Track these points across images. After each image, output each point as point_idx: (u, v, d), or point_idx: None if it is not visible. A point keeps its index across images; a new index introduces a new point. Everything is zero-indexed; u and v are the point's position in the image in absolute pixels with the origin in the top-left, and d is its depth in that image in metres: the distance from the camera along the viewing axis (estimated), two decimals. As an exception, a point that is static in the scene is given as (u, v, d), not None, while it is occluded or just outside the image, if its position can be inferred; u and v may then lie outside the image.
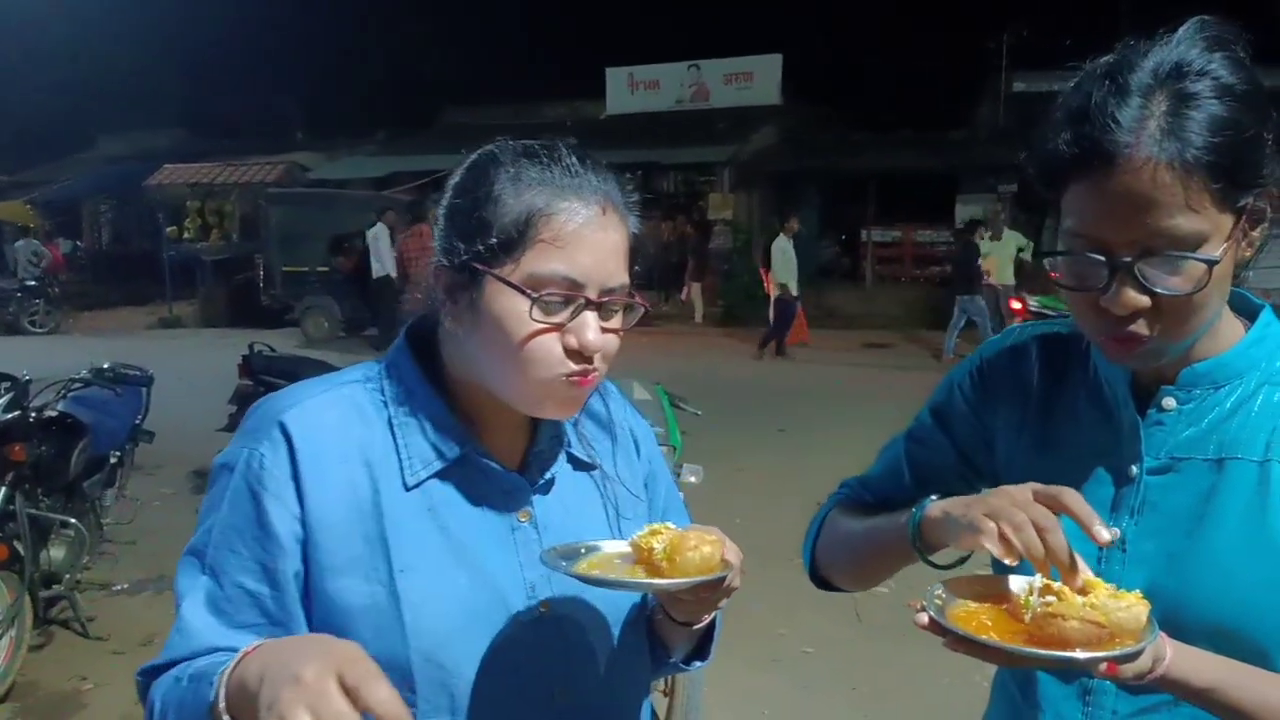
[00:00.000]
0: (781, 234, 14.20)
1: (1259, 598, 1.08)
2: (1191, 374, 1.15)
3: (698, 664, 1.37)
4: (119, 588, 5.49)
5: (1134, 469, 1.17)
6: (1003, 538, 1.00)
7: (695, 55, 22.94)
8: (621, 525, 1.27)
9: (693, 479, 4.04)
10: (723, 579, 1.08)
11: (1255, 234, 1.09)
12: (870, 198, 19.98)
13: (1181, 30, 1.05)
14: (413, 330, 1.24)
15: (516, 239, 1.10)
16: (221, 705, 0.95)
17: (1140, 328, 1.07)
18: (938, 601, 1.02)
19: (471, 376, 1.18)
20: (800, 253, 14.40)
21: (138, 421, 5.48)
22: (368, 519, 1.12)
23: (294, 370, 6.06)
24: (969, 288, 13.56)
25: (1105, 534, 1.00)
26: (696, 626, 1.25)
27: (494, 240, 1.10)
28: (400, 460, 1.15)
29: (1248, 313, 1.20)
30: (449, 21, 31.87)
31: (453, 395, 1.20)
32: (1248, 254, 1.10)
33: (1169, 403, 1.16)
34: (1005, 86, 20.14)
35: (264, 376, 6.29)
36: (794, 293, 14.08)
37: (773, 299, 14.22)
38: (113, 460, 5.25)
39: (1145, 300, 1.04)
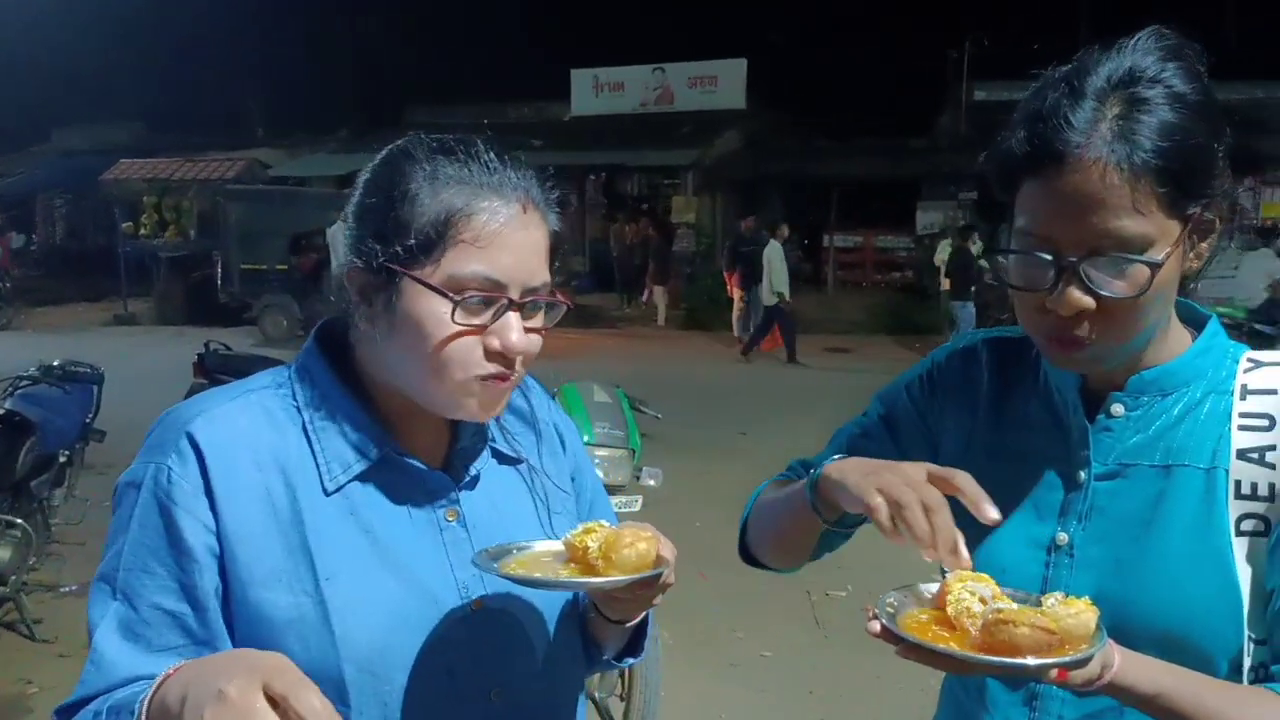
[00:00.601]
0: (773, 240, 14.24)
1: (1204, 604, 1.09)
2: (1139, 381, 1.16)
3: (630, 660, 1.36)
4: (67, 589, 5.38)
5: (1082, 474, 1.18)
6: (891, 516, 1.02)
7: (660, 58, 23.01)
8: (552, 520, 1.25)
9: (652, 482, 4.03)
10: (659, 575, 1.07)
11: (1203, 246, 1.11)
12: (832, 203, 20.16)
13: (1138, 39, 1.08)
14: (323, 332, 1.20)
15: (436, 239, 1.07)
16: None
17: (1083, 330, 1.08)
18: (890, 609, 1.02)
19: (388, 378, 1.15)
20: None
21: (88, 420, 5.38)
22: (288, 528, 1.09)
23: (248, 369, 5.94)
24: (964, 293, 13.69)
25: (992, 513, 1.02)
26: (629, 624, 1.24)
27: (412, 241, 1.07)
28: (318, 465, 1.11)
29: (1196, 323, 1.21)
30: (414, 20, 31.68)
31: (369, 397, 1.16)
32: (1195, 265, 1.12)
33: (1117, 409, 1.17)
34: (966, 95, 20.40)
35: (219, 375, 6.19)
36: (788, 299, 14.09)
37: (765, 307, 14.20)
38: (61, 459, 5.15)
39: (1090, 301, 1.06)
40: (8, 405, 4.74)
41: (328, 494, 1.11)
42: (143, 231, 20.37)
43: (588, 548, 1.05)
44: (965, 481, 1.05)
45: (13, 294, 19.36)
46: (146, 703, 0.91)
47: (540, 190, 1.15)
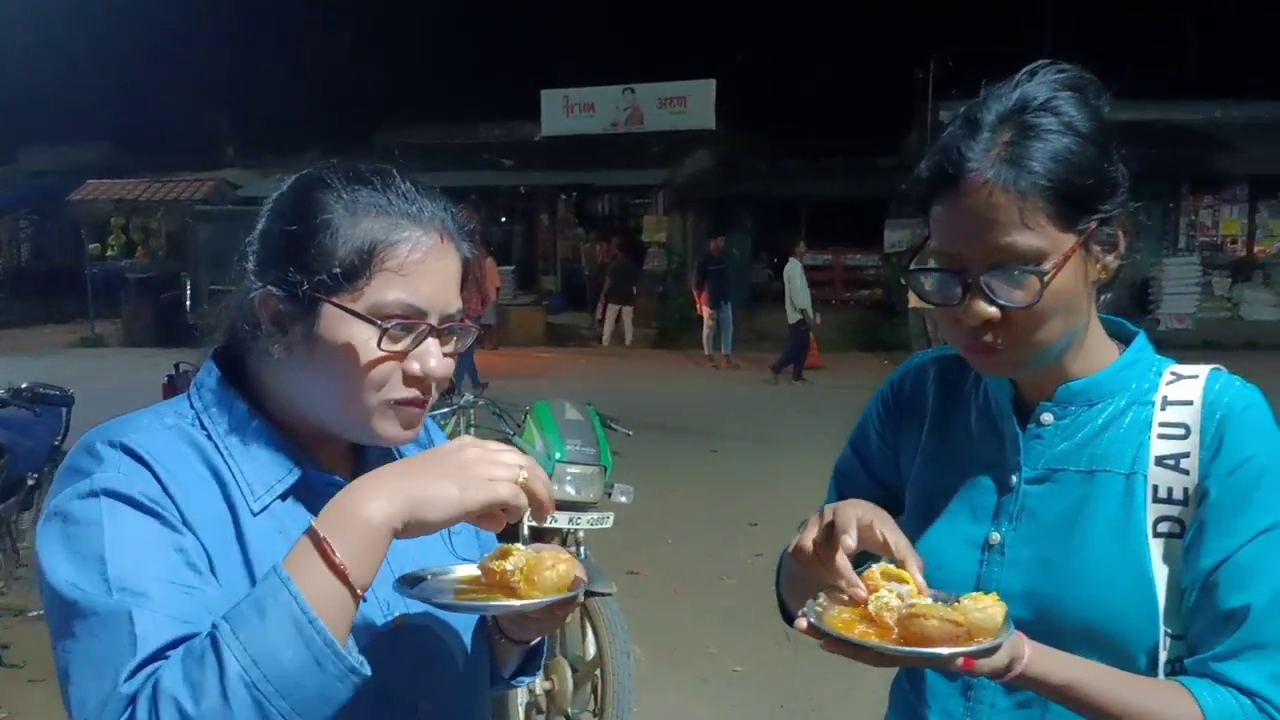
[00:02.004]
0: (792, 258, 14.31)
1: (1123, 600, 1.17)
2: (1067, 392, 1.25)
3: (524, 679, 1.38)
4: (36, 613, 5.32)
5: (1014, 479, 1.27)
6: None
7: (630, 79, 23.14)
8: (452, 539, 1.27)
9: (623, 499, 4.07)
10: (574, 597, 1.10)
11: (1109, 259, 1.20)
12: (802, 222, 20.31)
13: (1036, 71, 1.19)
14: (219, 358, 1.20)
15: (359, 268, 1.09)
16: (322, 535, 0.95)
17: (991, 337, 1.17)
18: (818, 609, 1.11)
19: (297, 404, 1.15)
20: (733, 276, 14.54)
21: (57, 443, 5.33)
22: (231, 543, 1.08)
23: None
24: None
25: (850, 542, 1.15)
26: (532, 643, 1.28)
27: (337, 269, 1.08)
28: (240, 488, 1.11)
29: (1125, 339, 1.30)
30: (384, 40, 31.69)
31: (276, 421, 1.16)
32: (1104, 276, 1.21)
33: (1047, 418, 1.26)
34: (932, 115, 20.65)
35: (190, 396, 6.18)
36: (811, 316, 14.14)
37: (791, 325, 14.19)
38: (30, 482, 5.12)
39: (993, 311, 1.15)
40: (-25, 428, 4.71)
41: (254, 514, 1.10)
42: (110, 252, 20.26)
43: (506, 571, 1.07)
44: (838, 515, 1.18)
45: (-23, 316, 19.13)
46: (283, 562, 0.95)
47: (454, 219, 1.17)
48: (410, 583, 1.10)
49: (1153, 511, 1.19)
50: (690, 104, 22.70)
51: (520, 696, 3.69)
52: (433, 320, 1.12)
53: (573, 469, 3.93)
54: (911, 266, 1.23)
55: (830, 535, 1.16)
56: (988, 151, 1.13)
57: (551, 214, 23.55)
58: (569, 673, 3.69)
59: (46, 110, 29.39)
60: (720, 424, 11.01)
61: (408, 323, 1.10)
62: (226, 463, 1.11)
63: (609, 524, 3.99)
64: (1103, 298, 1.25)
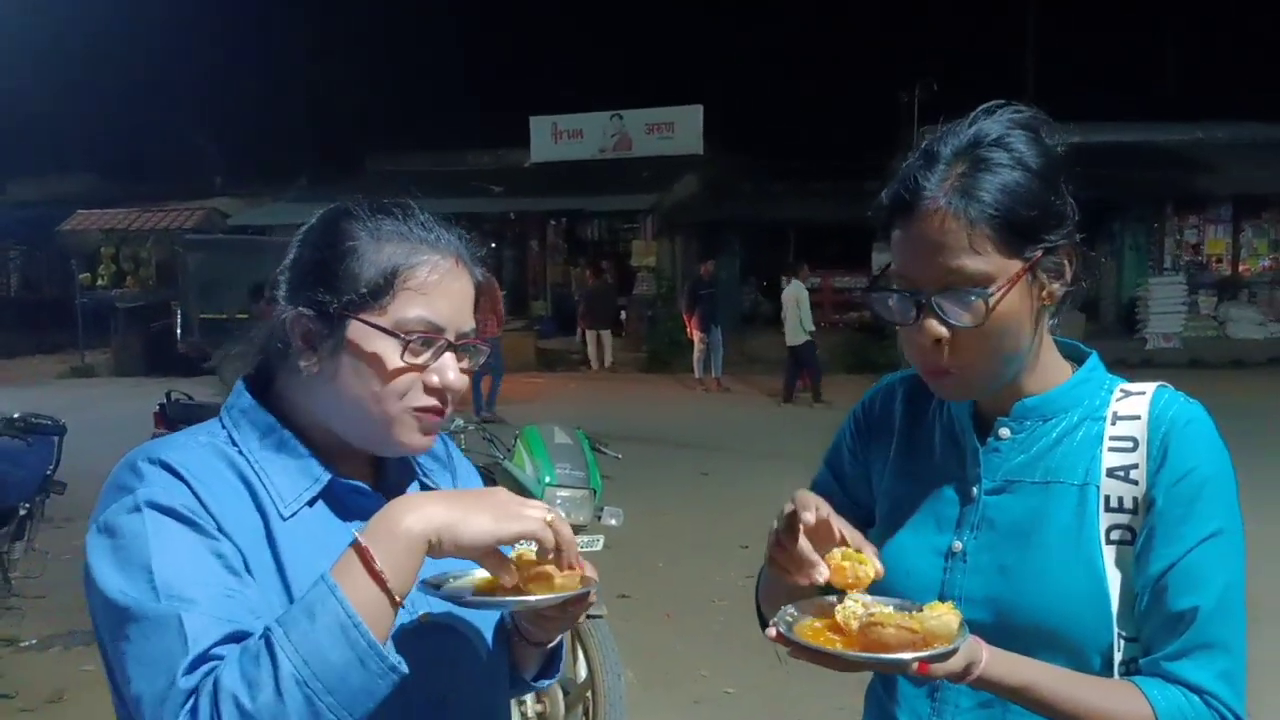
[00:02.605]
0: (796, 279, 14.39)
1: (1077, 604, 1.24)
2: (1023, 408, 1.33)
3: (545, 681, 1.46)
4: (27, 644, 5.33)
5: (975, 490, 1.34)
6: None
7: (618, 106, 23.29)
8: None
9: (613, 521, 4.10)
10: (587, 594, 1.17)
11: (1055, 286, 1.27)
12: (790, 245, 20.41)
13: (993, 109, 1.27)
14: (248, 379, 1.30)
15: (384, 287, 1.19)
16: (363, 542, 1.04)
17: (943, 356, 1.24)
18: (788, 619, 1.17)
19: (322, 419, 1.25)
20: (723, 299, 14.57)
21: (49, 472, 5.34)
22: (263, 547, 1.17)
23: (211, 419, 5.97)
24: None
25: (808, 517, 1.21)
26: (549, 645, 1.36)
27: (364, 289, 1.19)
28: (271, 496, 1.20)
29: (1079, 359, 1.38)
30: (373, 68, 31.84)
31: (302, 435, 1.25)
32: (1049, 302, 1.28)
33: (1004, 432, 1.34)
34: (917, 138, 20.81)
35: (181, 425, 6.16)
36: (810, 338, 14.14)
37: (793, 347, 14.33)
38: (22, 512, 5.12)
39: (943, 330, 1.23)
40: (-32, 458, 4.72)
41: (285, 520, 1.19)
42: (100, 282, 20.23)
43: (521, 570, 1.15)
44: (799, 500, 1.24)
45: (-35, 347, 19.06)
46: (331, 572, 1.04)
47: (467, 247, 1.29)
48: (433, 584, 1.17)
49: (1105, 520, 1.25)
50: (678, 129, 22.85)
51: (513, 718, 3.71)
52: (450, 336, 1.23)
53: (562, 492, 3.96)
54: (871, 288, 1.30)
55: (791, 524, 1.21)
56: (942, 182, 1.21)
57: (541, 240, 23.63)
58: (560, 695, 3.71)
59: (34, 141, 29.42)
60: (711, 447, 11.04)
61: (427, 337, 1.20)
62: (257, 474, 1.21)
63: (599, 547, 4.02)
64: (1053, 322, 1.31)
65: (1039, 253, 1.23)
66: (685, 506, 8.23)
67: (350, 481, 1.25)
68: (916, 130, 20.58)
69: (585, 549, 3.98)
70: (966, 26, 27.60)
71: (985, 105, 1.27)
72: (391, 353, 1.19)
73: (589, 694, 3.65)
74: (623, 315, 20.32)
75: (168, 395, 6.62)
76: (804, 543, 1.21)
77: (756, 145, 24.42)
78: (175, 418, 6.32)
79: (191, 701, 1.00)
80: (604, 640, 3.65)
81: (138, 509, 1.11)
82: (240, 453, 1.22)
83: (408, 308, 1.20)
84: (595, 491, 4.07)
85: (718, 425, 12.75)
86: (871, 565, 1.19)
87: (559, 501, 3.93)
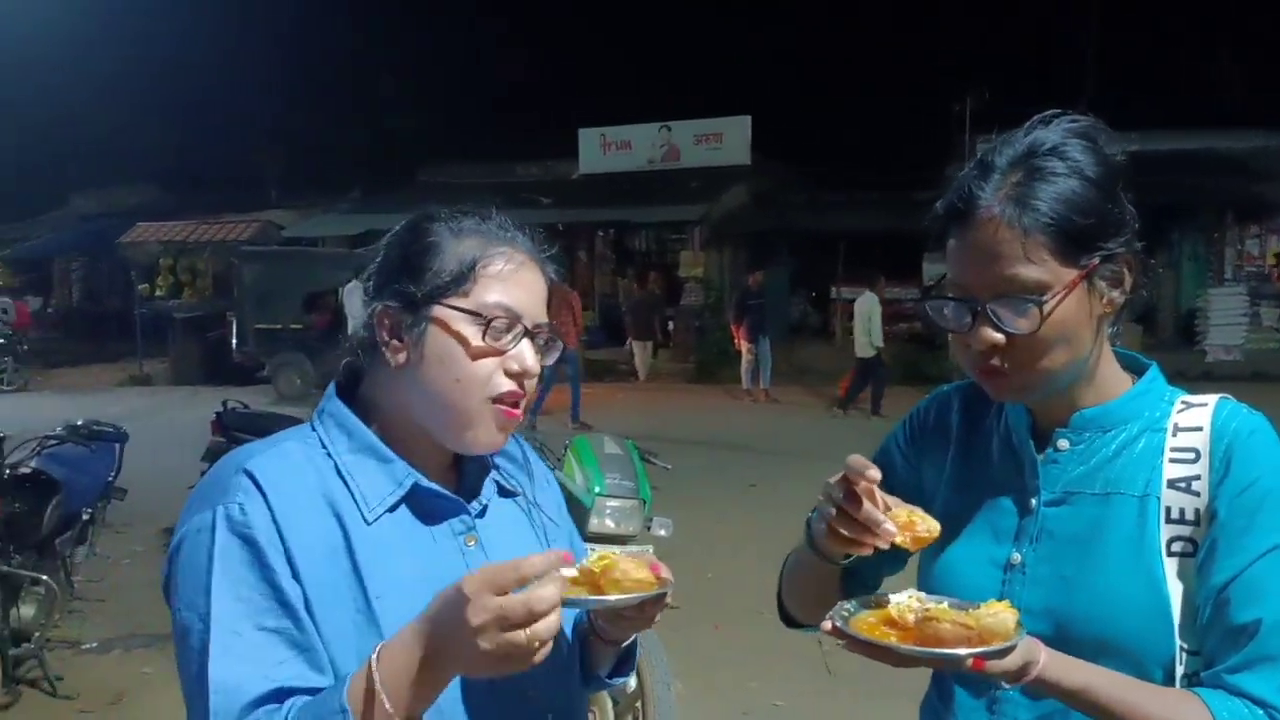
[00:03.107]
0: (871, 292, 14.28)
1: (1138, 616, 1.23)
2: (1081, 419, 1.32)
3: (619, 679, 1.49)
4: (88, 646, 5.45)
5: (1033, 501, 1.33)
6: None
7: (666, 117, 23.36)
8: (550, 546, 1.40)
9: (662, 532, 4.11)
10: (664, 595, 1.20)
11: (1115, 295, 1.26)
12: (839, 256, 20.29)
13: (1050, 119, 1.27)
14: (339, 386, 1.35)
15: (465, 274, 1.26)
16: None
17: (998, 362, 1.25)
18: (845, 613, 1.17)
19: (406, 416, 1.29)
20: (771, 310, 14.50)
21: (110, 479, 5.44)
22: (340, 555, 1.20)
23: (268, 426, 6.04)
24: None
25: (873, 474, 1.18)
26: (623, 645, 1.40)
27: (447, 277, 1.26)
28: (355, 500, 1.24)
29: (1138, 370, 1.37)
30: (424, 82, 32.23)
31: (388, 438, 1.29)
32: (1108, 311, 1.27)
33: (1063, 444, 1.33)
34: (970, 147, 20.62)
35: (237, 433, 6.28)
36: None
37: (862, 359, 14.15)
38: (85, 517, 5.21)
39: (999, 337, 1.23)
40: (34, 464, 4.84)
41: (368, 524, 1.24)
42: (158, 293, 20.70)
43: (599, 572, 1.18)
44: (854, 463, 1.20)
45: (31, 356, 19.57)
46: (346, 694, 1.07)
47: (540, 249, 1.36)
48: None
49: (1166, 531, 1.24)
50: (726, 140, 22.86)
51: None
52: (527, 323, 1.28)
53: (612, 502, 3.97)
54: (926, 297, 1.31)
55: (850, 491, 1.20)
56: (997, 190, 1.22)
57: (590, 251, 23.73)
58: (610, 705, 3.71)
59: (96, 155, 30.16)
60: (759, 458, 11.00)
61: (508, 321, 1.26)
62: (344, 479, 1.25)
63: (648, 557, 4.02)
64: (1112, 330, 1.31)
65: (1096, 261, 1.22)
66: (734, 517, 8.21)
67: (432, 486, 1.28)
68: (969, 139, 20.41)
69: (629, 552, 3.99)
70: (1021, 33, 27.32)
71: (1041, 115, 1.27)
72: (474, 334, 1.24)
73: (638, 704, 3.65)
74: (670, 326, 20.33)
75: (224, 403, 6.74)
76: (868, 505, 1.19)
77: (805, 155, 24.36)
78: (231, 425, 6.44)
79: None
80: (653, 650, 3.65)
81: (213, 527, 1.17)
82: (329, 456, 1.26)
83: (487, 293, 1.26)
84: (645, 502, 4.08)
85: (766, 436, 12.70)
86: (930, 524, 1.20)
87: (609, 511, 3.94)
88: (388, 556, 1.22)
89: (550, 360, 1.33)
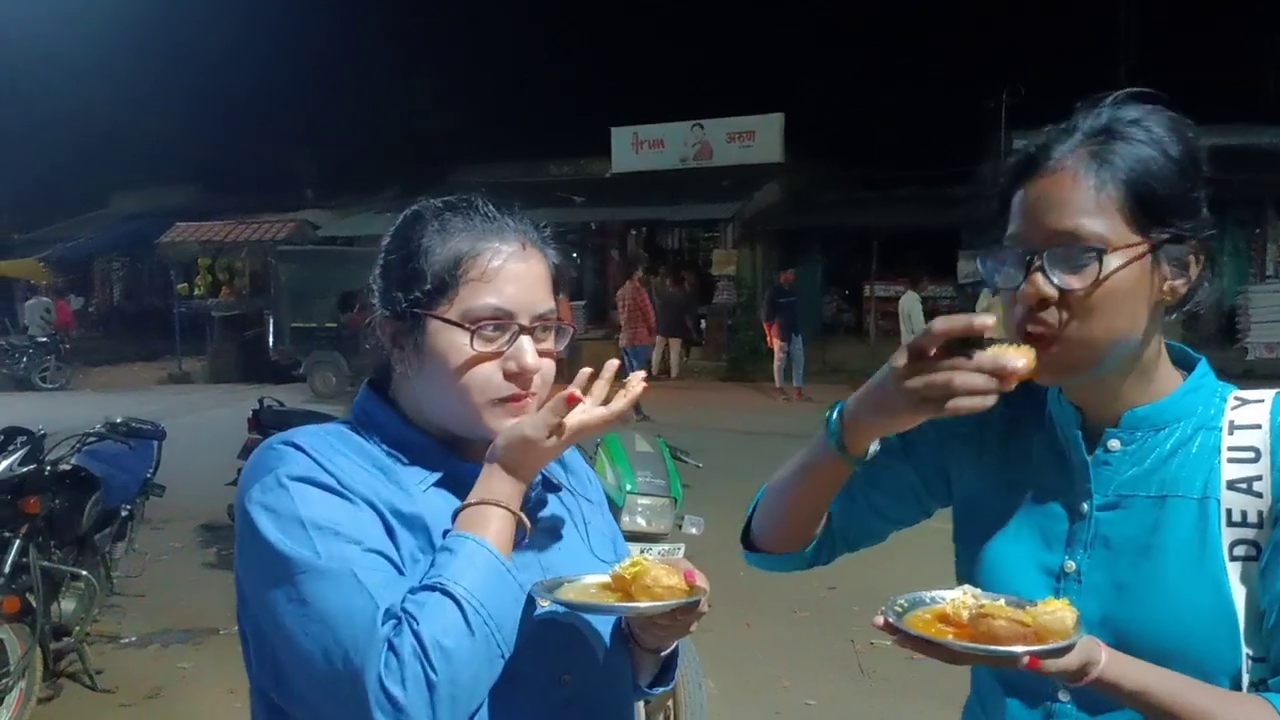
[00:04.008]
0: (911, 291, 14.19)
1: (1202, 624, 1.17)
2: (1133, 418, 1.26)
3: (660, 688, 1.47)
4: (127, 640, 5.53)
5: (1085, 506, 1.27)
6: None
7: (698, 115, 23.30)
8: (590, 536, 1.40)
9: (694, 530, 4.09)
10: (697, 602, 1.18)
11: (1178, 283, 1.21)
12: (873, 253, 20.16)
13: (1128, 94, 1.23)
14: (372, 383, 1.36)
15: (449, 281, 1.23)
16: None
17: (1050, 316, 1.18)
18: (898, 609, 1.14)
19: (428, 415, 1.30)
20: (804, 308, 14.41)
21: (149, 475, 5.51)
22: (404, 506, 1.22)
23: (304, 424, 6.06)
24: None
25: (985, 320, 1.08)
26: (663, 653, 1.37)
27: (429, 285, 1.24)
28: (395, 481, 1.24)
29: (1188, 366, 1.31)
30: (458, 82, 32.38)
31: (419, 430, 1.31)
32: (1169, 299, 1.21)
33: (1114, 444, 1.27)
34: (1005, 143, 20.42)
35: (273, 431, 6.30)
36: None
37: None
38: (124, 514, 5.29)
39: (1051, 291, 1.17)
40: (74, 461, 4.91)
41: (423, 492, 1.25)
42: (197, 292, 20.94)
43: (630, 578, 1.18)
44: (947, 323, 1.10)
45: (72, 354, 19.88)
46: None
47: (536, 231, 1.32)
48: (549, 588, 1.21)
49: (1228, 535, 1.19)
50: (759, 137, 22.77)
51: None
52: (522, 320, 1.25)
53: (643, 500, 3.97)
54: (983, 253, 1.26)
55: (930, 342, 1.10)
56: (1076, 147, 1.19)
57: (622, 249, 23.73)
58: (641, 705, 3.71)
59: (136, 157, 30.56)
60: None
61: (498, 323, 1.24)
62: (382, 465, 1.26)
63: (679, 556, 4.01)
64: (1170, 317, 1.25)
65: (1165, 236, 1.18)
66: (766, 516, 8.17)
67: (473, 465, 1.27)
68: (1005, 136, 20.20)
69: (665, 558, 3.98)
70: (1056, 28, 27.00)
71: (1119, 92, 1.23)
72: (463, 344, 1.23)
73: (670, 703, 3.65)
74: (702, 324, 20.29)
75: (260, 401, 6.80)
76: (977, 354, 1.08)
77: (838, 153, 24.21)
78: (268, 423, 6.49)
79: (387, 651, 1.08)
80: (685, 648, 3.62)
81: (281, 484, 1.17)
82: (365, 440, 1.28)
83: (473, 297, 1.23)
84: (676, 500, 4.07)
85: (799, 434, 12.59)
86: (1027, 350, 1.10)
87: (640, 509, 3.94)
88: (438, 521, 1.23)
89: (561, 346, 1.31)
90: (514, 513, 1.20)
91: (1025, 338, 1.20)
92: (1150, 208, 1.16)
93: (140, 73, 31.28)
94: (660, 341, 18.17)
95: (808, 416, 14.05)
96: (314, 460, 1.20)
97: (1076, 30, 25.89)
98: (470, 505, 1.19)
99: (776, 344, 15.72)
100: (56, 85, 30.07)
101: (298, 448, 1.21)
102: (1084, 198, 1.16)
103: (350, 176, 27.16)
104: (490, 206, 1.29)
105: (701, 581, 1.19)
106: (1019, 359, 1.08)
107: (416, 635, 1.08)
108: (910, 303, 13.99)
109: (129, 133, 31.03)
